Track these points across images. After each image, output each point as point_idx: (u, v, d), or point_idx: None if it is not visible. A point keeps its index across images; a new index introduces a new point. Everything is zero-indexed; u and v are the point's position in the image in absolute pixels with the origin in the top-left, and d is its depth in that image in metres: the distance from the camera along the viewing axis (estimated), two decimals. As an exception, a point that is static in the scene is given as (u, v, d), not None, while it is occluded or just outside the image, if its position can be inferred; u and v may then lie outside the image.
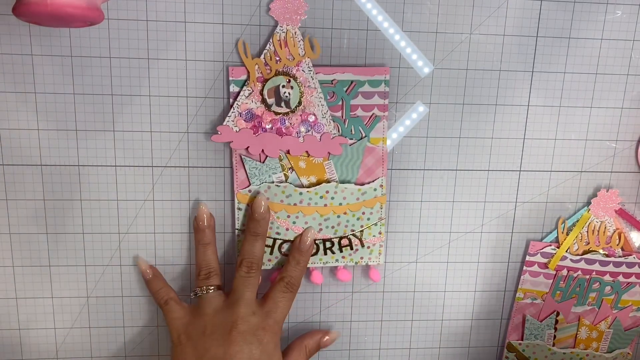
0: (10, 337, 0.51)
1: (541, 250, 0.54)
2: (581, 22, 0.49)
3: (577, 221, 0.53)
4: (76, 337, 0.51)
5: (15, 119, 0.46)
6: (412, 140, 0.50)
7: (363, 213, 0.50)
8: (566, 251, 0.53)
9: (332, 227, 0.50)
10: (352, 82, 0.48)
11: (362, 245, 0.51)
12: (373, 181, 0.50)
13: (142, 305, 0.51)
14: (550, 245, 0.53)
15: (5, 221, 0.48)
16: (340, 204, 0.50)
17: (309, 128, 0.48)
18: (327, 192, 0.49)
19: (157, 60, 0.46)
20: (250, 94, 0.47)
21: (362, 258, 0.52)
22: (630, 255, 0.54)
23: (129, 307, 0.51)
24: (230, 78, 0.47)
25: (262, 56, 0.46)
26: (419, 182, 0.51)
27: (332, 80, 0.48)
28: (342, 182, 0.49)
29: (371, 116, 0.49)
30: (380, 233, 0.51)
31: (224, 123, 0.47)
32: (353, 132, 0.49)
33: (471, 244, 0.53)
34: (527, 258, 0.54)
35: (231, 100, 0.47)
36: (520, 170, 0.52)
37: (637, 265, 0.54)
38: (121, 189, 0.49)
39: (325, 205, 0.49)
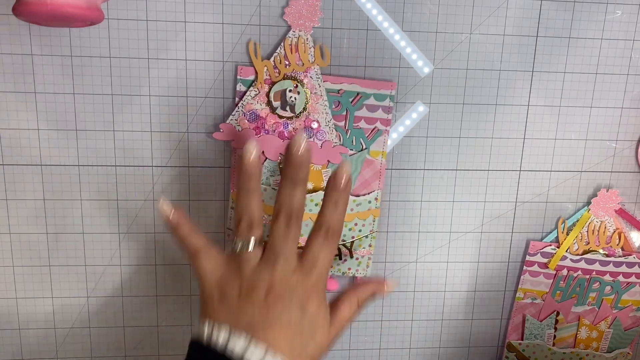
0: (10, 337, 0.51)
1: (541, 250, 0.54)
2: (581, 22, 0.49)
3: (577, 221, 0.53)
4: (76, 337, 0.51)
5: (15, 119, 0.46)
6: (412, 140, 0.50)
7: (355, 224, 0.50)
8: (566, 251, 0.53)
9: None
10: (358, 93, 0.48)
11: (351, 256, 0.51)
12: (369, 193, 0.50)
13: (142, 305, 0.51)
14: (550, 245, 0.53)
15: (5, 221, 0.48)
16: None
17: (311, 134, 0.48)
18: (322, 199, 0.49)
19: (157, 60, 0.46)
20: (256, 95, 0.47)
21: (349, 269, 0.52)
22: (630, 255, 0.54)
23: (129, 307, 0.51)
24: (239, 77, 0.47)
25: (272, 59, 0.46)
26: (419, 182, 0.51)
27: (338, 90, 0.48)
28: None
29: (373, 129, 0.49)
30: (370, 245, 0.51)
31: (227, 121, 0.47)
32: (354, 143, 0.49)
33: (471, 244, 0.53)
34: (527, 258, 0.54)
35: (237, 99, 0.47)
36: (520, 170, 0.52)
37: (637, 265, 0.54)
38: (121, 189, 0.49)
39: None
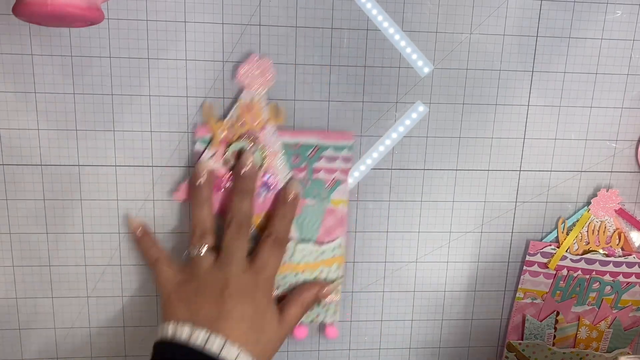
0: (10, 337, 0.51)
1: (541, 250, 0.54)
2: (581, 22, 0.49)
3: (577, 221, 0.53)
4: (76, 337, 0.51)
5: (15, 119, 0.46)
6: (412, 140, 0.50)
7: (321, 272, 0.51)
8: (566, 251, 0.53)
9: (290, 284, 0.51)
10: (315, 146, 0.48)
11: (319, 304, 0.51)
12: (332, 241, 0.50)
13: (142, 305, 0.51)
14: (550, 245, 0.53)
15: (5, 221, 0.48)
16: (299, 263, 0.50)
17: (270, 189, 0.48)
18: (286, 250, 0.49)
19: (157, 60, 0.46)
20: (213, 154, 0.47)
21: (318, 316, 0.52)
22: (630, 255, 0.54)
23: (129, 307, 0.51)
24: (196, 136, 0.47)
25: (227, 119, 0.47)
26: (419, 182, 0.51)
27: (296, 143, 0.48)
28: (302, 240, 0.50)
29: (333, 179, 0.49)
30: (336, 292, 0.51)
31: (186, 181, 0.48)
32: (315, 194, 0.49)
33: (471, 244, 0.54)
34: (527, 258, 0.54)
35: (194, 158, 0.48)
36: (520, 170, 0.52)
37: (637, 265, 0.54)
38: (121, 189, 0.49)
39: (284, 263, 0.50)
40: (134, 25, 0.45)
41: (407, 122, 0.50)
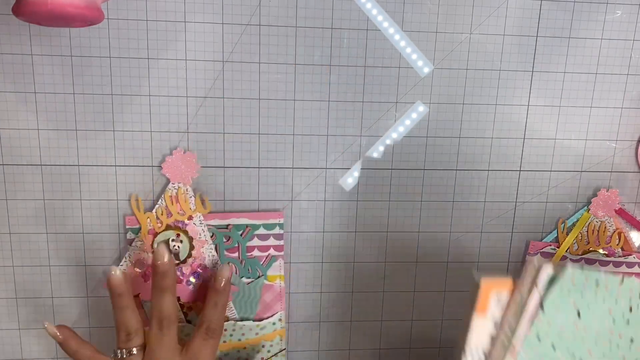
0: (10, 337, 0.51)
1: (541, 250, 0.54)
2: (581, 22, 0.49)
3: (577, 221, 0.53)
4: (76, 337, 0.51)
5: (15, 119, 0.46)
6: (412, 140, 0.50)
7: (263, 346, 0.52)
8: (566, 251, 0.53)
9: None
10: (247, 226, 0.49)
11: None
12: (272, 316, 0.51)
13: (142, 305, 0.51)
14: (550, 245, 0.53)
15: (5, 221, 0.48)
16: (239, 340, 0.51)
17: (200, 276, 0.49)
18: (225, 330, 0.50)
19: (157, 60, 0.46)
20: (142, 244, 0.48)
21: None
22: (630, 255, 0.54)
23: (129, 307, 0.51)
24: (127, 226, 0.48)
25: (154, 211, 0.48)
26: (419, 182, 0.51)
27: (227, 225, 0.49)
28: (241, 319, 0.51)
29: (267, 256, 0.50)
30: None
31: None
32: (250, 272, 0.50)
33: (471, 244, 0.53)
34: (527, 258, 0.54)
35: (127, 245, 0.49)
36: (520, 170, 0.52)
37: (637, 265, 0.54)
38: (121, 189, 0.49)
39: (225, 342, 0.50)
40: (134, 25, 0.45)
41: (407, 122, 0.50)
